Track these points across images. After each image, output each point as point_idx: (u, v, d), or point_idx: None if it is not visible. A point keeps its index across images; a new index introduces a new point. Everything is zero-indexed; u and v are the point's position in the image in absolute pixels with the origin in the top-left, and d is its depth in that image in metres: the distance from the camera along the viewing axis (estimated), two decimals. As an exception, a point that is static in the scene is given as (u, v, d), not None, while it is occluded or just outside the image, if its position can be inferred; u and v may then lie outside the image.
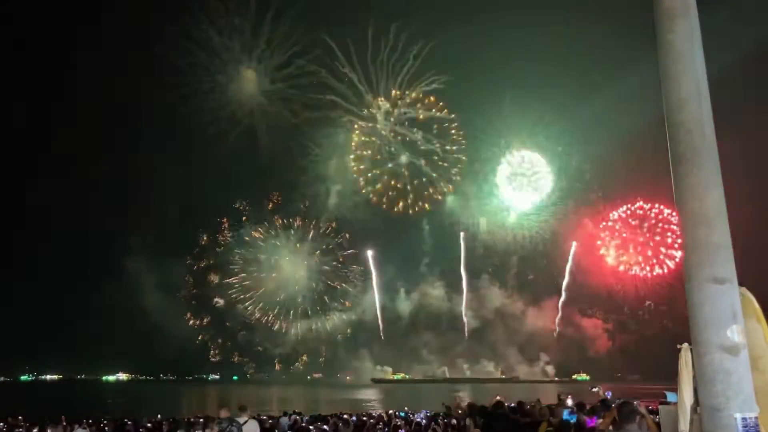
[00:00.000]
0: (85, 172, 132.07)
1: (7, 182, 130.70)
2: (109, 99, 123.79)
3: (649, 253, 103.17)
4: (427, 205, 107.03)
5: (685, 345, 5.02)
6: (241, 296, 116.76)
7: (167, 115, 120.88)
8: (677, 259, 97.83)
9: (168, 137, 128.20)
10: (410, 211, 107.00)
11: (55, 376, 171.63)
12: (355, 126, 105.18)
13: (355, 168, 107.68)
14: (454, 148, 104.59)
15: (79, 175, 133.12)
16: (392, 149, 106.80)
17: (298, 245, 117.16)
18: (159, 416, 26.95)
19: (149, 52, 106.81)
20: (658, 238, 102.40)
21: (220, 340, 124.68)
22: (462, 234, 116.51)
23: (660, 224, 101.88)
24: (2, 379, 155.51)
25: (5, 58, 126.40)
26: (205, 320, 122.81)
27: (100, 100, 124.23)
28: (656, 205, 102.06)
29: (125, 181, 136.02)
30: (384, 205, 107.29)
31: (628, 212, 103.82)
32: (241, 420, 11.52)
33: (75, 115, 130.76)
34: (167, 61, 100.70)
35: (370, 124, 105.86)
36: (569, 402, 20.40)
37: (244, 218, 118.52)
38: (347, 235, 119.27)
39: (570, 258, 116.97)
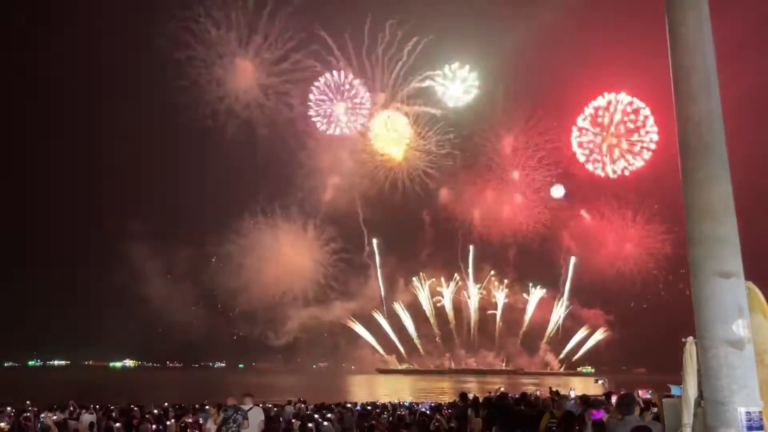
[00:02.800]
0: (87, 163, 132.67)
1: (9, 174, 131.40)
2: (108, 92, 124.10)
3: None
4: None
5: (690, 339, 5.02)
6: (246, 286, 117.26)
7: (166, 108, 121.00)
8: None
9: (168, 131, 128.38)
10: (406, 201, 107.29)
11: (63, 362, 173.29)
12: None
13: (351, 161, 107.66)
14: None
15: (81, 165, 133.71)
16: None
17: (297, 239, 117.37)
18: (165, 404, 27.16)
19: (149, 43, 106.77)
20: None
21: (223, 330, 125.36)
22: (460, 226, 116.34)
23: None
24: (10, 364, 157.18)
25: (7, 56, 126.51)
26: (210, 309, 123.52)
27: (99, 94, 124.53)
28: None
29: (127, 173, 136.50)
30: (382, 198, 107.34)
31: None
32: (246, 407, 11.64)
33: (74, 109, 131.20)
34: (166, 53, 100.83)
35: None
36: (572, 394, 20.45)
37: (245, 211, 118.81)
38: (348, 227, 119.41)
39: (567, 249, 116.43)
